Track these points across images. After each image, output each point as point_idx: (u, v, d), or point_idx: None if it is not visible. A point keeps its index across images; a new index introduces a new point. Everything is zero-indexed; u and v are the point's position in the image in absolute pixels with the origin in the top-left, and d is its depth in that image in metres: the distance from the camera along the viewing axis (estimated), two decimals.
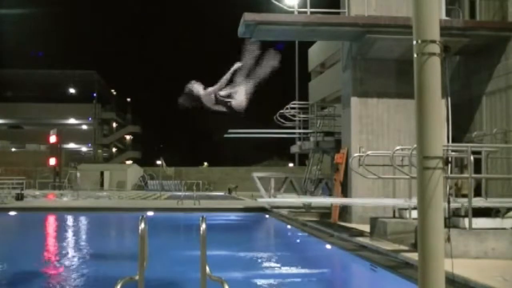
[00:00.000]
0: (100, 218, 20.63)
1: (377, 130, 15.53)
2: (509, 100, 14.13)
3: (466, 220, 9.01)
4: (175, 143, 75.41)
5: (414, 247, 9.13)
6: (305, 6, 14.85)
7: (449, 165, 9.98)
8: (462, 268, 6.76)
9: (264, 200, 19.73)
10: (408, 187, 11.01)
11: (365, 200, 14.26)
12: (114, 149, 69.52)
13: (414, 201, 9.64)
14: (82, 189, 40.49)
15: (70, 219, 20.15)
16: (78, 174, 43.52)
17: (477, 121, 15.48)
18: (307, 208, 19.51)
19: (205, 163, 62.40)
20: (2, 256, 11.60)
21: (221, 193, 32.19)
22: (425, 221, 3.41)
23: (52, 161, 45.09)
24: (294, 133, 22.62)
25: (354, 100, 15.59)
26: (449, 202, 7.53)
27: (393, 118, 15.53)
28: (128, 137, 71.42)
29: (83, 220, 20.17)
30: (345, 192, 16.10)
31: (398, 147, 11.27)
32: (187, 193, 27.06)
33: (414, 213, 10.31)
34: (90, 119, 63.70)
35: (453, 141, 10.29)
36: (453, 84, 15.66)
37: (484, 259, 8.66)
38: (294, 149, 23.08)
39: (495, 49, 14.70)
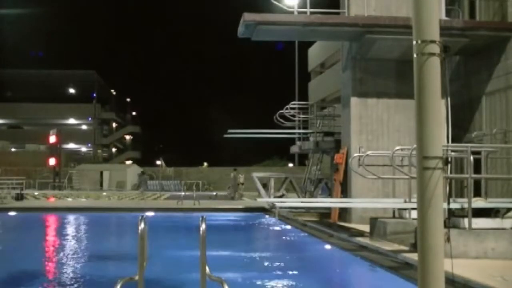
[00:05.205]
0: (100, 218, 20.62)
1: (377, 130, 15.54)
2: (509, 100, 14.13)
3: (466, 220, 9.02)
4: (175, 143, 75.42)
5: (414, 247, 9.13)
6: (305, 6, 14.84)
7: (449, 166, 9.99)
8: (462, 268, 6.76)
9: (264, 200, 19.73)
10: (408, 187, 11.01)
11: (364, 204, 14.25)
12: (113, 149, 69.52)
13: (414, 201, 9.63)
14: (82, 189, 40.51)
15: (69, 219, 20.16)
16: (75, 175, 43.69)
17: (477, 121, 15.47)
18: (307, 208, 19.50)
19: (205, 163, 62.36)
20: (2, 256, 11.60)
21: (223, 193, 32.13)
22: (425, 221, 3.41)
23: (52, 161, 45.06)
24: (294, 133, 22.62)
25: (354, 100, 15.59)
26: (449, 202, 7.53)
27: (393, 118, 15.53)
28: (127, 137, 71.42)
29: (82, 220, 20.17)
30: (344, 192, 16.10)
31: (398, 147, 11.28)
32: (187, 193, 27.06)
33: (414, 213, 10.31)
34: (90, 119, 63.72)
35: (453, 141, 10.29)
36: (453, 84, 15.67)
37: (484, 259, 8.66)
38: (294, 149, 23.08)
39: (495, 49, 14.69)
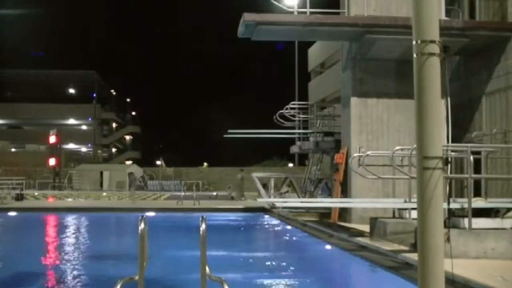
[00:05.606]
0: (100, 218, 20.62)
1: (377, 130, 15.54)
2: (509, 100, 14.13)
3: (466, 220, 9.02)
4: (175, 143, 75.35)
5: (414, 247, 9.13)
6: (304, 6, 14.84)
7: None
8: (462, 268, 6.76)
9: (264, 200, 19.73)
10: (408, 187, 11.01)
11: (364, 204, 14.24)
12: (113, 149, 69.51)
13: (414, 201, 9.63)
14: (82, 189, 40.45)
15: (69, 219, 20.15)
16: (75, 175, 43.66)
17: (477, 121, 15.47)
18: (307, 208, 19.49)
19: (205, 163, 62.35)
20: (2, 256, 11.61)
21: (223, 193, 32.15)
22: (425, 221, 3.41)
23: (52, 161, 45.05)
24: (294, 133, 22.62)
25: (354, 100, 15.59)
26: (449, 202, 7.53)
27: (393, 118, 15.53)
28: (127, 137, 71.41)
29: (82, 220, 20.16)
30: (344, 192, 16.09)
31: (397, 147, 11.28)
32: (187, 193, 27.03)
33: (414, 213, 10.31)
34: (90, 119, 63.71)
35: (453, 141, 10.29)
36: (453, 84, 15.66)
37: (484, 259, 8.66)
38: (294, 149, 23.08)
39: (495, 49, 14.69)
